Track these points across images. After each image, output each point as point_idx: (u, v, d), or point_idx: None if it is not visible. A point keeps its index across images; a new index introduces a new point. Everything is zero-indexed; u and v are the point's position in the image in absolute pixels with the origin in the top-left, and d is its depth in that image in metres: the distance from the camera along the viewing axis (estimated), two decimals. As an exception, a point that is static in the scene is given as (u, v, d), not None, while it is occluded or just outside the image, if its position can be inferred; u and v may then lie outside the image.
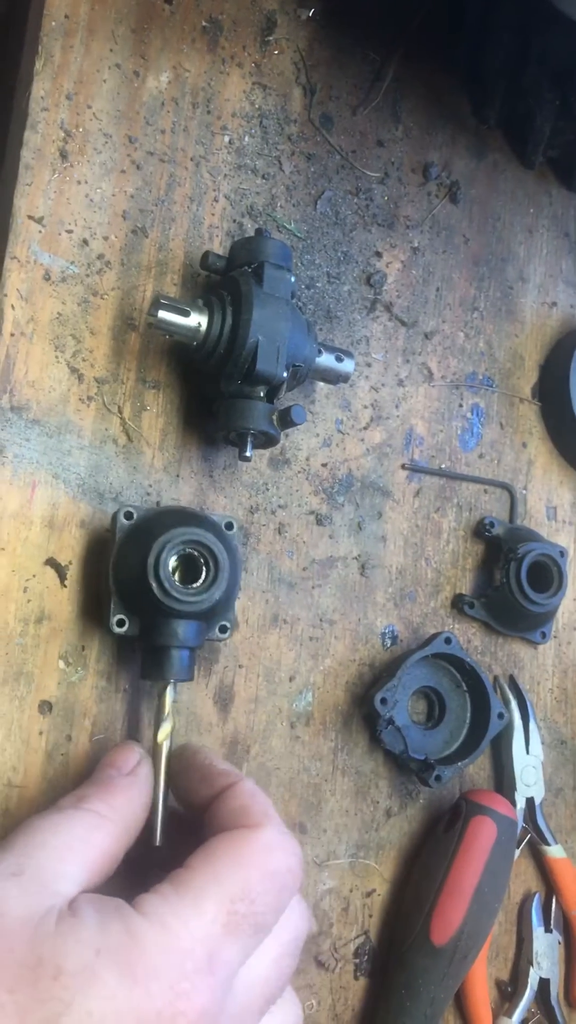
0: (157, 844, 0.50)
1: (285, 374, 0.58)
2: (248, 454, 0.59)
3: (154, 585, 0.52)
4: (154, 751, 0.53)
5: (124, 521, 0.55)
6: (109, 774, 0.49)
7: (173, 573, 0.53)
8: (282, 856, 0.43)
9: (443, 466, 0.71)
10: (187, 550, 0.53)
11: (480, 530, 0.70)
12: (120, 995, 0.36)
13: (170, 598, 0.53)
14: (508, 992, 0.67)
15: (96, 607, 0.58)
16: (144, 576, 0.52)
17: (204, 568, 0.54)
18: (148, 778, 0.50)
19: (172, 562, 0.53)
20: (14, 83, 0.64)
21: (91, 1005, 0.35)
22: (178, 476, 0.62)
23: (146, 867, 0.47)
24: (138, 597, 0.54)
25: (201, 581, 0.54)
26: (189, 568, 0.54)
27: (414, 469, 0.69)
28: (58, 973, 0.36)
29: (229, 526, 0.58)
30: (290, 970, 0.44)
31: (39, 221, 0.60)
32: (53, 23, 0.61)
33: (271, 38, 0.69)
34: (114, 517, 0.56)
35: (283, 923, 0.44)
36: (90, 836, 0.44)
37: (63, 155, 0.61)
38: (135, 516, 0.56)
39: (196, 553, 0.53)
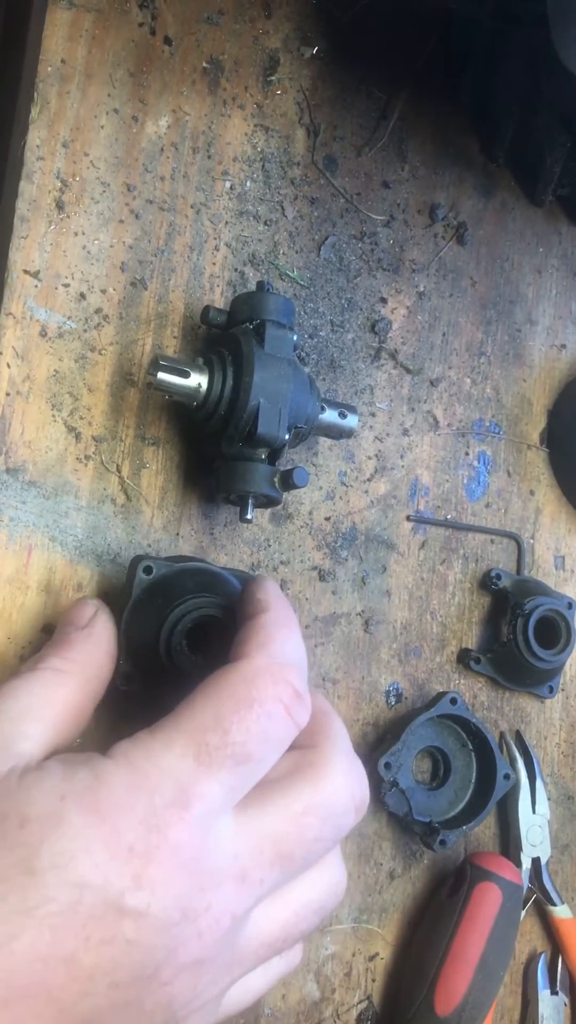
0: None
1: (287, 437, 0.56)
2: (249, 517, 0.57)
3: (164, 656, 0.52)
4: None
5: (143, 576, 0.54)
6: (66, 631, 0.48)
7: (185, 642, 0.52)
8: (267, 683, 0.40)
9: (449, 516, 0.69)
10: (202, 621, 0.52)
11: (487, 582, 0.69)
12: (88, 834, 0.35)
13: (180, 671, 0.52)
14: (513, 1055, 0.66)
15: (94, 674, 0.57)
16: (156, 643, 0.52)
17: (218, 637, 0.53)
18: (107, 627, 0.49)
19: (185, 635, 0.52)
20: (8, 131, 0.63)
21: (60, 847, 0.34)
22: (178, 535, 0.61)
23: None
24: (147, 657, 0.53)
25: (213, 654, 0.53)
26: (201, 634, 0.53)
27: (419, 520, 0.68)
28: (24, 821, 0.35)
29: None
30: (308, 926, 0.42)
31: (35, 275, 0.58)
32: (49, 68, 0.59)
33: (273, 78, 0.67)
34: (132, 569, 0.54)
35: (314, 877, 0.42)
36: (50, 694, 0.44)
37: (59, 206, 0.59)
38: (154, 572, 0.54)
39: (211, 624, 0.53)
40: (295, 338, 0.57)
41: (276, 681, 0.40)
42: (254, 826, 0.39)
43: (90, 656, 0.47)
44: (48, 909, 0.33)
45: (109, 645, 0.49)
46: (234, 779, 0.38)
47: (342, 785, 0.42)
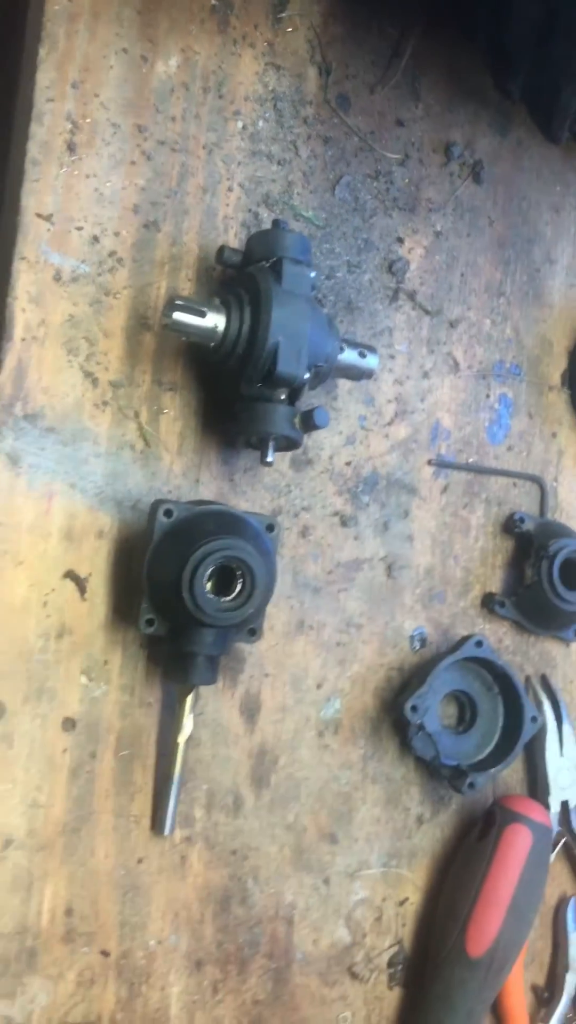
0: (163, 833, 0.55)
1: (307, 376, 0.55)
2: (270, 459, 0.56)
3: (187, 597, 0.51)
4: (172, 750, 0.56)
5: (163, 519, 0.54)
6: None
7: (207, 585, 0.52)
8: None
9: (471, 460, 0.68)
10: (224, 563, 0.52)
11: (510, 526, 0.68)
12: None
13: (203, 612, 0.51)
14: (545, 998, 0.66)
15: (118, 620, 0.57)
16: (178, 584, 0.51)
17: (240, 581, 0.52)
18: None
19: (208, 576, 0.51)
20: (16, 72, 0.62)
21: None
22: (198, 481, 0.60)
23: None
24: (170, 601, 0.53)
25: (236, 595, 0.52)
26: (224, 578, 0.53)
27: (441, 465, 0.67)
28: None
29: (270, 527, 0.57)
30: None
31: (48, 219, 0.57)
32: (56, 7, 0.58)
33: (283, 15, 0.65)
34: (152, 513, 0.54)
35: None
36: None
37: (70, 148, 0.58)
38: (174, 514, 0.54)
39: (233, 566, 0.52)
40: (313, 275, 0.56)
41: None
42: None
43: None
44: None
45: None
46: None
47: None
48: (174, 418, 0.60)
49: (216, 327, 0.55)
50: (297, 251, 0.57)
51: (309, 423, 0.56)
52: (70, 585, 0.56)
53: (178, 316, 0.54)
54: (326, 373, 0.58)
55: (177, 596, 0.52)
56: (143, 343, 0.59)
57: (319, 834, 0.61)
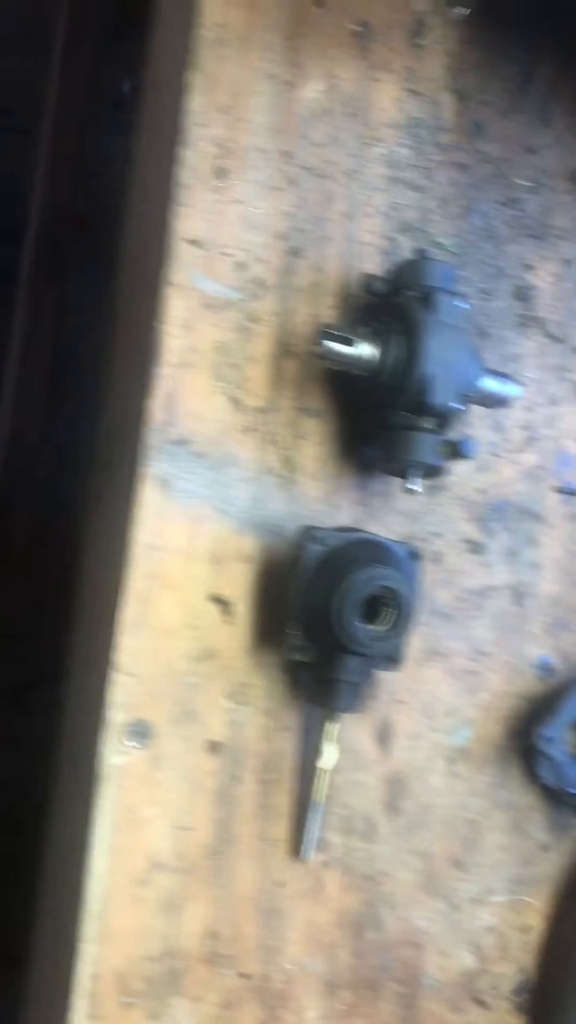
0: (304, 857, 0.56)
1: (460, 407, 0.55)
2: (415, 487, 0.57)
3: (338, 626, 0.52)
4: (314, 776, 0.56)
5: (314, 546, 0.54)
6: None
7: (358, 612, 0.52)
8: None
9: (595, 488, 0.68)
10: (376, 592, 0.52)
11: None
12: None
13: (354, 641, 0.52)
14: None
15: (261, 644, 0.57)
16: (328, 612, 0.52)
17: (390, 611, 0.53)
18: None
19: (359, 605, 0.52)
20: (161, 97, 0.62)
21: None
22: (334, 506, 0.60)
23: None
24: (318, 628, 0.54)
25: (386, 626, 0.53)
26: (372, 607, 0.53)
27: (568, 492, 0.67)
28: None
29: (414, 555, 0.57)
30: None
31: (197, 244, 0.58)
32: (207, 33, 0.59)
33: (422, 41, 0.65)
34: (302, 540, 0.55)
35: None
36: None
37: (219, 173, 0.58)
38: (325, 541, 0.54)
39: (384, 595, 0.52)
40: (467, 306, 0.56)
41: None
42: None
43: None
44: None
45: None
46: None
47: None
48: (314, 444, 0.60)
49: (363, 355, 0.55)
50: (446, 280, 0.57)
51: (456, 453, 0.57)
52: (215, 609, 0.56)
53: (329, 344, 0.55)
54: (471, 403, 0.58)
55: (326, 624, 0.53)
56: (287, 370, 0.59)
57: (448, 860, 0.61)
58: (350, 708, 0.56)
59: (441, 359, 0.55)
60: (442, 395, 0.55)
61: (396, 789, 0.60)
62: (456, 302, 0.56)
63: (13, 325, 1.11)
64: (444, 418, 0.56)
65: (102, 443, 0.69)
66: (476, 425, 0.65)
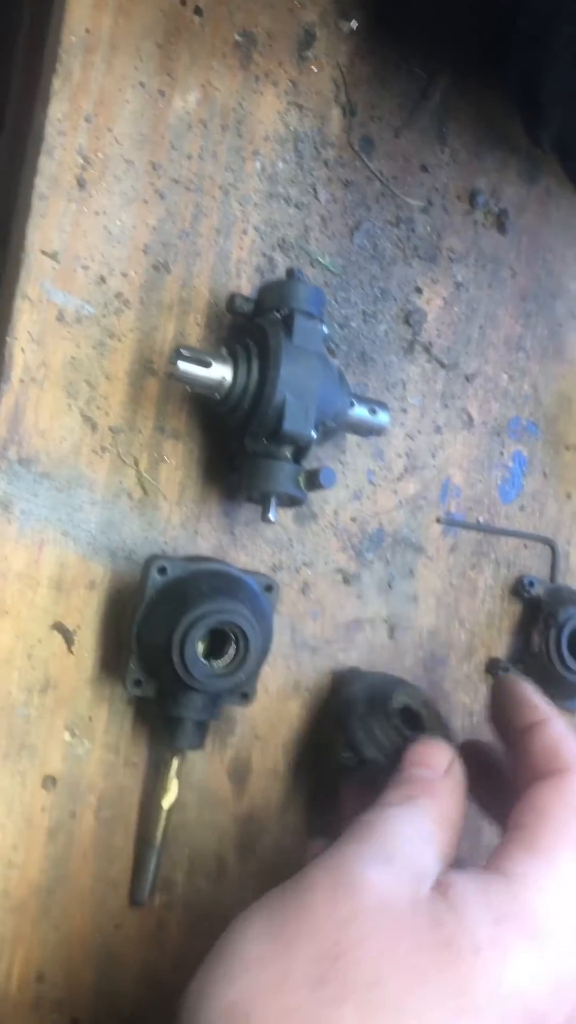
0: (139, 902, 0.53)
1: (314, 435, 0.53)
2: (272, 517, 0.54)
3: (177, 661, 0.49)
4: (154, 815, 0.53)
5: (157, 576, 0.52)
6: (425, 775, 0.47)
7: (199, 648, 0.50)
8: None
9: (481, 519, 0.66)
10: (218, 627, 0.50)
11: (519, 589, 0.66)
12: (533, 961, 0.37)
13: (192, 677, 0.50)
14: None
15: (106, 675, 0.55)
16: (169, 646, 0.50)
17: (233, 646, 0.50)
18: (463, 775, 0.48)
19: (200, 640, 0.49)
20: (30, 104, 0.60)
21: (513, 976, 0.36)
22: (196, 532, 0.58)
23: None
24: (159, 662, 0.51)
25: (228, 661, 0.50)
26: (217, 641, 0.51)
27: (450, 523, 0.65)
28: (477, 949, 0.36)
29: (268, 588, 0.55)
30: None
31: (53, 256, 0.55)
32: (73, 38, 0.56)
33: (309, 53, 0.63)
34: (146, 570, 0.52)
35: None
36: (434, 833, 0.43)
37: (80, 183, 0.56)
38: (168, 572, 0.52)
39: (227, 630, 0.50)
40: (325, 330, 0.54)
41: None
42: None
43: (459, 809, 0.46)
44: None
45: (466, 797, 0.47)
46: None
47: None
48: (175, 467, 0.58)
49: (223, 379, 0.53)
50: (310, 303, 0.55)
51: (314, 483, 0.54)
52: (57, 637, 0.54)
53: (183, 366, 0.52)
54: (334, 431, 0.56)
55: (167, 658, 0.50)
56: (146, 388, 0.57)
57: (304, 905, 0.59)
58: (194, 745, 0.53)
59: (297, 386, 0.52)
60: (296, 423, 0.52)
61: (250, 830, 0.58)
62: (317, 326, 0.54)
63: None
64: (300, 447, 0.54)
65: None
66: (355, 452, 0.63)
